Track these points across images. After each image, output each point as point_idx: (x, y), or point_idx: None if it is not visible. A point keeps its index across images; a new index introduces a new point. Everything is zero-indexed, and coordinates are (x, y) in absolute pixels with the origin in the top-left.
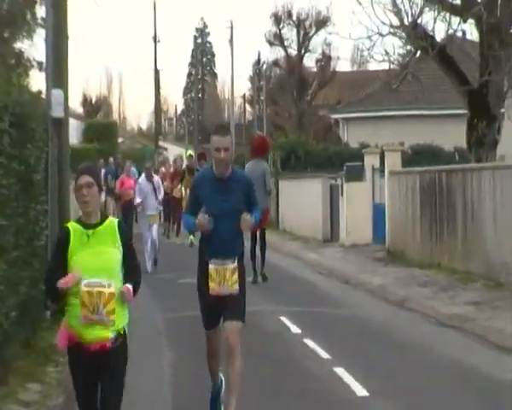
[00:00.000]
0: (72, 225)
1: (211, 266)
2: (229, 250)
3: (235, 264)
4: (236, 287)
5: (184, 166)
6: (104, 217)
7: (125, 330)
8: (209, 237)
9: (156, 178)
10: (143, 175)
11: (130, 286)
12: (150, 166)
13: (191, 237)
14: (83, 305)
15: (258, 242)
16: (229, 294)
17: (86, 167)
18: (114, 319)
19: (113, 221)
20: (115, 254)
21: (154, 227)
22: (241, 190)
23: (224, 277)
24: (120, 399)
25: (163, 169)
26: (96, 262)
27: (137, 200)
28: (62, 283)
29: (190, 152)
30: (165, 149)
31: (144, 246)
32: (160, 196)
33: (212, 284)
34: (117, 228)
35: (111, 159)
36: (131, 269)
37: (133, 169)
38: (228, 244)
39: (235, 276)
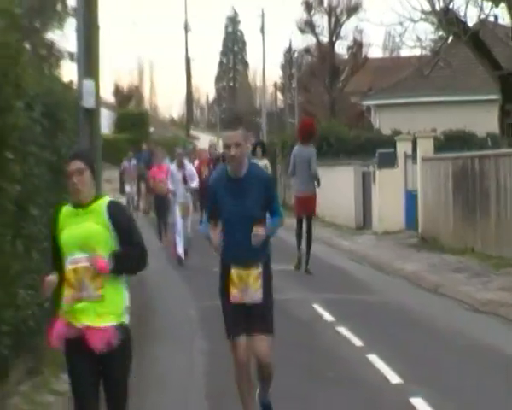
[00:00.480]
0: (64, 206)
1: (233, 271)
2: (251, 256)
3: (260, 269)
4: (260, 295)
5: (219, 153)
6: (98, 196)
7: (125, 323)
8: (228, 241)
9: (189, 166)
10: (174, 162)
11: (102, 258)
12: (182, 153)
13: None
14: (69, 286)
15: (304, 227)
16: (253, 303)
17: (77, 152)
18: (102, 293)
19: (103, 201)
20: (99, 230)
21: (187, 221)
22: (259, 189)
23: (247, 283)
24: (125, 399)
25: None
26: (78, 238)
27: (169, 187)
28: (43, 293)
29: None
30: (197, 138)
31: (174, 234)
32: (194, 183)
33: (233, 291)
34: (105, 208)
35: (144, 145)
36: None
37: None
38: (248, 250)
39: (259, 282)
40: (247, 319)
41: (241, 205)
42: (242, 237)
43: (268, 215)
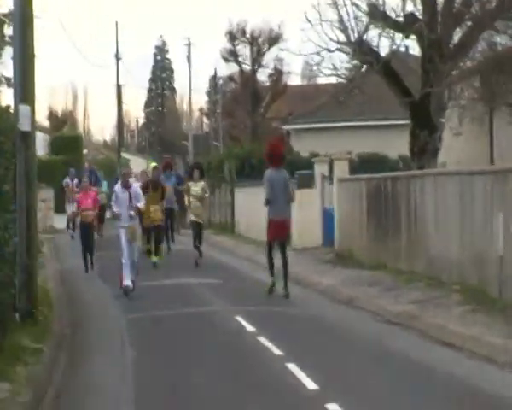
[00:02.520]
0: None
1: None
2: None
3: None
4: None
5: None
6: None
7: None
8: None
9: (134, 185)
10: (119, 182)
11: None
12: (127, 173)
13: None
14: None
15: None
16: None
17: None
18: None
19: None
20: None
21: (135, 247)
22: None
23: None
24: None
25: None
26: None
27: (114, 209)
28: None
29: (155, 164)
30: (128, 160)
31: (122, 260)
32: (140, 204)
33: None
34: None
35: (86, 164)
36: None
37: (99, 175)
38: None
39: None
40: None
41: None
42: None
43: None
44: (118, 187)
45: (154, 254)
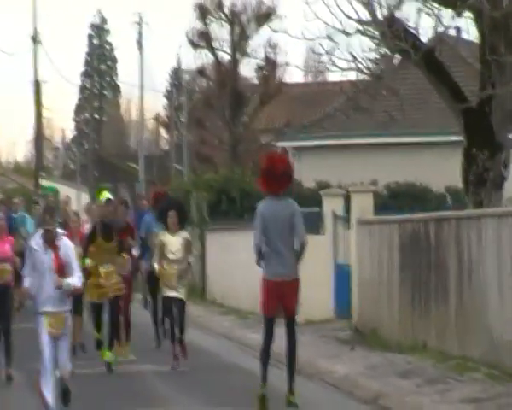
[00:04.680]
0: None
1: None
2: None
3: None
4: None
5: (90, 222)
6: None
7: None
8: None
9: (65, 240)
10: (37, 235)
11: None
12: (51, 212)
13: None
14: None
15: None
16: None
17: None
18: None
19: None
20: None
21: (62, 345)
22: None
23: None
24: None
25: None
26: None
27: (26, 283)
28: None
29: (107, 194)
30: (54, 188)
31: (41, 369)
32: (75, 278)
33: None
34: None
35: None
36: None
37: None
38: None
39: None
40: None
41: None
42: None
43: None
44: (35, 242)
45: (108, 347)
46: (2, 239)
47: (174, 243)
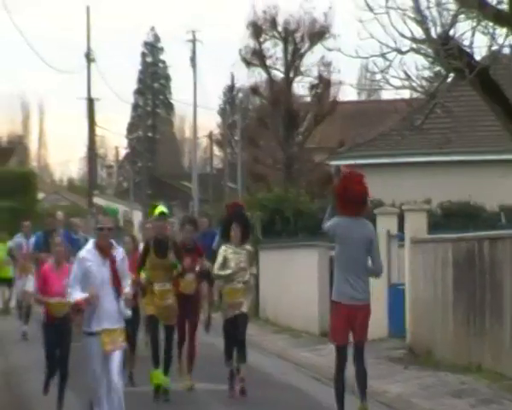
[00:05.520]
0: None
1: None
2: None
3: None
4: None
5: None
6: None
7: None
8: None
9: (119, 250)
10: (90, 244)
11: None
12: (107, 226)
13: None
14: None
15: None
16: None
17: None
18: None
19: None
20: None
21: (115, 360)
22: None
23: None
24: None
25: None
26: None
27: (74, 294)
28: None
29: (161, 208)
30: (116, 209)
31: (94, 397)
32: (127, 287)
33: None
34: None
35: (59, 214)
36: None
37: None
38: None
39: None
40: None
41: None
42: None
43: None
44: (88, 251)
45: (164, 371)
46: (62, 269)
47: (237, 256)
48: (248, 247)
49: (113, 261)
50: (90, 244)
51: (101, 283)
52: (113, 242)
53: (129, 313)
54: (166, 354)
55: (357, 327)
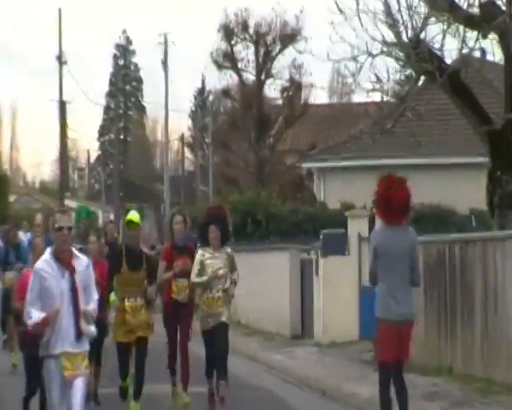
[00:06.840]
0: None
1: None
2: None
3: None
4: None
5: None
6: None
7: None
8: None
9: (80, 259)
10: (46, 256)
11: None
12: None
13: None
14: None
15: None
16: None
17: None
18: None
19: None
20: None
21: (77, 389)
22: None
23: None
24: None
25: None
26: None
27: (33, 315)
28: None
29: (133, 215)
30: (93, 212)
31: None
32: (92, 305)
33: None
34: None
35: (38, 217)
36: None
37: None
38: None
39: None
40: None
41: None
42: None
43: None
44: (43, 262)
45: (134, 397)
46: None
47: (215, 262)
48: (229, 250)
49: (72, 272)
50: (47, 253)
51: (61, 299)
52: (73, 249)
53: (93, 330)
54: (137, 381)
55: (402, 346)
